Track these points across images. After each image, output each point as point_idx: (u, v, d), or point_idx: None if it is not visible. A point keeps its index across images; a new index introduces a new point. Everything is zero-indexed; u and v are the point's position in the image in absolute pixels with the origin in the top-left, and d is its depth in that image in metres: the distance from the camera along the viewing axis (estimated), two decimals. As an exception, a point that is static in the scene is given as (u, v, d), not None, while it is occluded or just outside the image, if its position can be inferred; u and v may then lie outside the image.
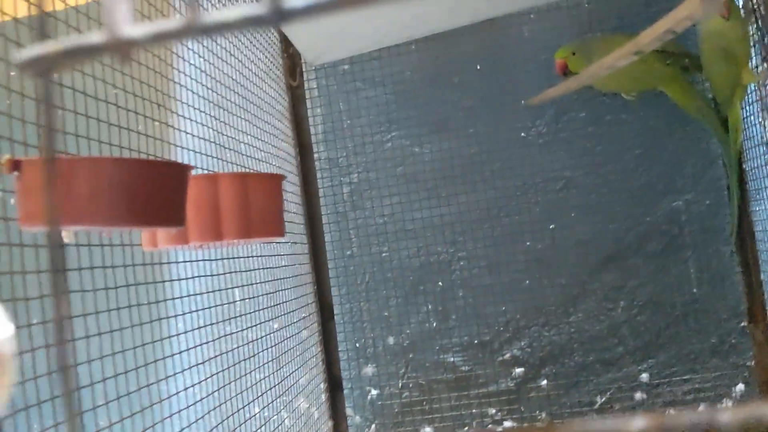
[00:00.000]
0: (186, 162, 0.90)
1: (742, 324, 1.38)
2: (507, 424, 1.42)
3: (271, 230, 0.72)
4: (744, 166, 1.37)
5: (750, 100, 1.36)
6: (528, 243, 1.44)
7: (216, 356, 0.99)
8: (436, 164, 1.46)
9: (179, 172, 0.56)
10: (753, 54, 1.26)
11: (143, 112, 0.83)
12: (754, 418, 0.17)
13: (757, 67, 1.26)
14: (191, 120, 0.99)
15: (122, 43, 0.18)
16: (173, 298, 0.90)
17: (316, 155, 1.47)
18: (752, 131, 1.36)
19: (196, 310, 0.95)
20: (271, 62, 1.36)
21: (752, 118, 1.36)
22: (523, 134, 1.45)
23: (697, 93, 1.37)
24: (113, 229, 0.55)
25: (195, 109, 1.01)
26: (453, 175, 1.45)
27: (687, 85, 1.36)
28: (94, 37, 0.18)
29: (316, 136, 1.48)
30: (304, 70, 1.46)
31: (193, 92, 1.01)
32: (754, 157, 1.36)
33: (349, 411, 1.44)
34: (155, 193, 0.53)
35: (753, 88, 1.33)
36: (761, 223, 1.36)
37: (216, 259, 1.01)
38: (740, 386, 1.38)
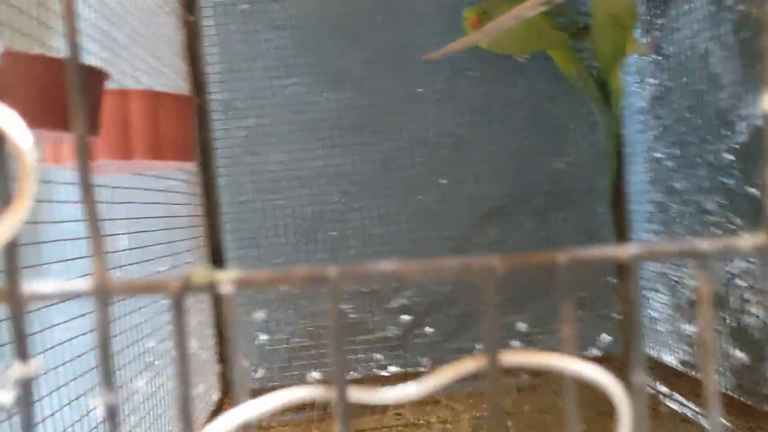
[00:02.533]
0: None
1: (610, 279, 1.50)
2: (392, 368, 1.47)
3: (182, 153, 0.70)
4: (622, 132, 1.47)
5: (629, 71, 1.46)
6: (419, 196, 1.48)
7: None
8: (333, 114, 1.46)
9: (95, 77, 0.53)
10: (637, 27, 1.35)
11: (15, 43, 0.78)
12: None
13: (641, 39, 1.35)
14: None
15: None
16: (52, 222, 0.85)
17: (211, 96, 1.43)
18: (630, 100, 1.46)
19: (76, 238, 0.90)
20: (168, -6, 1.30)
21: (631, 87, 1.46)
22: (419, 89, 1.48)
23: (579, 60, 1.44)
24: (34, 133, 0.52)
25: (84, 36, 0.95)
26: (349, 126, 1.46)
27: (571, 52, 1.44)
28: None
29: (212, 76, 1.43)
30: (202, 5, 1.41)
31: (82, 19, 0.95)
32: (631, 124, 1.46)
33: (236, 356, 1.43)
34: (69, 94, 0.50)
35: (633, 58, 1.43)
36: (634, 186, 1.47)
37: (105, 185, 0.97)
38: (605, 336, 1.50)
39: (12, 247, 0.18)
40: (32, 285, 0.18)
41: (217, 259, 1.40)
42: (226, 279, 0.18)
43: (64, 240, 0.77)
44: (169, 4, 1.28)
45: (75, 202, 0.87)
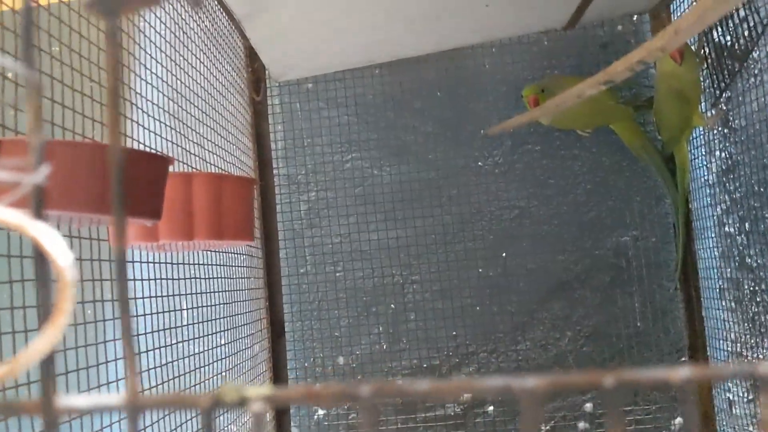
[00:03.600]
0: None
1: (683, 359, 1.43)
2: (452, 449, 1.42)
3: (242, 233, 0.71)
4: (690, 206, 1.43)
5: (696, 144, 1.42)
6: (480, 269, 1.46)
7: (158, 366, 0.96)
8: (393, 187, 1.47)
9: (160, 163, 0.55)
10: (703, 100, 1.33)
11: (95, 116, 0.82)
12: None
13: (706, 112, 1.33)
14: (147, 129, 0.97)
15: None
16: (112, 300, 0.87)
17: (275, 171, 1.46)
18: (698, 173, 1.42)
19: (142, 315, 0.92)
20: (236, 74, 1.36)
21: (697, 160, 1.42)
22: (480, 163, 1.48)
23: (644, 134, 1.42)
24: (86, 217, 0.54)
25: (153, 118, 0.99)
26: (410, 199, 1.47)
27: (635, 125, 1.42)
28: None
29: (276, 152, 1.47)
30: (268, 85, 1.46)
31: (151, 102, 0.99)
32: (700, 198, 1.42)
33: (294, 431, 1.41)
34: (135, 182, 0.52)
35: (700, 131, 1.40)
36: (704, 261, 1.42)
37: (168, 263, 0.99)
38: (679, 419, 1.42)
39: (48, 360, 0.18)
40: (66, 398, 0.18)
41: (277, 331, 1.41)
42: (256, 396, 0.18)
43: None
44: (237, 86, 1.34)
45: (139, 280, 0.89)
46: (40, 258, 0.18)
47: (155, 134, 0.97)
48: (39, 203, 0.19)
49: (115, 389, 0.80)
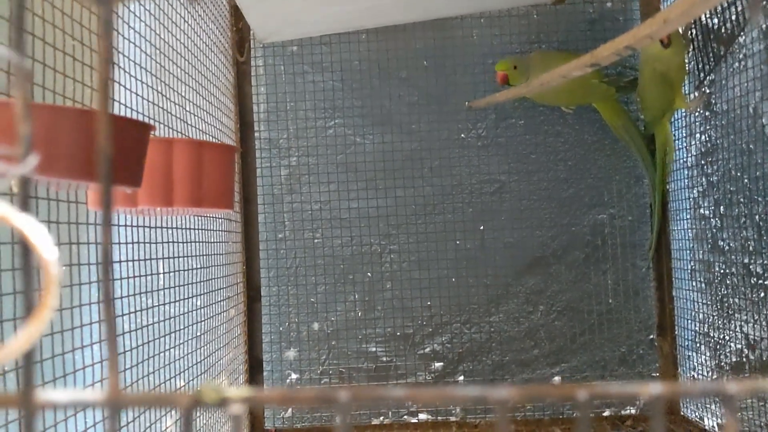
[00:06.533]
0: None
1: (651, 336, 1.46)
2: (422, 416, 1.45)
3: (222, 202, 0.71)
4: (667, 187, 1.44)
5: (677, 125, 1.43)
6: (458, 242, 1.47)
7: (136, 329, 0.96)
8: (376, 156, 1.47)
9: (141, 130, 0.55)
10: (687, 82, 1.33)
11: (76, 75, 0.80)
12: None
13: (689, 94, 1.33)
14: (127, 89, 0.95)
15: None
16: (94, 264, 0.86)
17: (256, 134, 1.45)
18: (677, 154, 1.43)
19: (119, 279, 0.92)
20: (220, 34, 1.33)
21: (678, 142, 1.43)
22: (463, 135, 1.48)
23: (626, 113, 1.43)
24: (66, 183, 0.53)
25: (134, 78, 0.97)
26: (392, 169, 1.47)
27: (618, 105, 1.43)
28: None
29: (259, 114, 1.46)
30: (252, 46, 1.44)
31: (133, 61, 0.97)
32: (677, 180, 1.43)
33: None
34: (117, 148, 0.51)
35: (681, 113, 1.40)
36: (678, 242, 1.44)
37: (146, 226, 0.98)
38: (643, 394, 1.45)
39: (29, 355, 0.18)
40: (46, 393, 0.18)
41: (253, 295, 1.41)
42: (236, 397, 0.18)
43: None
44: (220, 45, 1.32)
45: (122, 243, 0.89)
46: (25, 249, 0.18)
47: (135, 94, 0.95)
48: (26, 195, 0.18)
49: (91, 372, 0.80)
